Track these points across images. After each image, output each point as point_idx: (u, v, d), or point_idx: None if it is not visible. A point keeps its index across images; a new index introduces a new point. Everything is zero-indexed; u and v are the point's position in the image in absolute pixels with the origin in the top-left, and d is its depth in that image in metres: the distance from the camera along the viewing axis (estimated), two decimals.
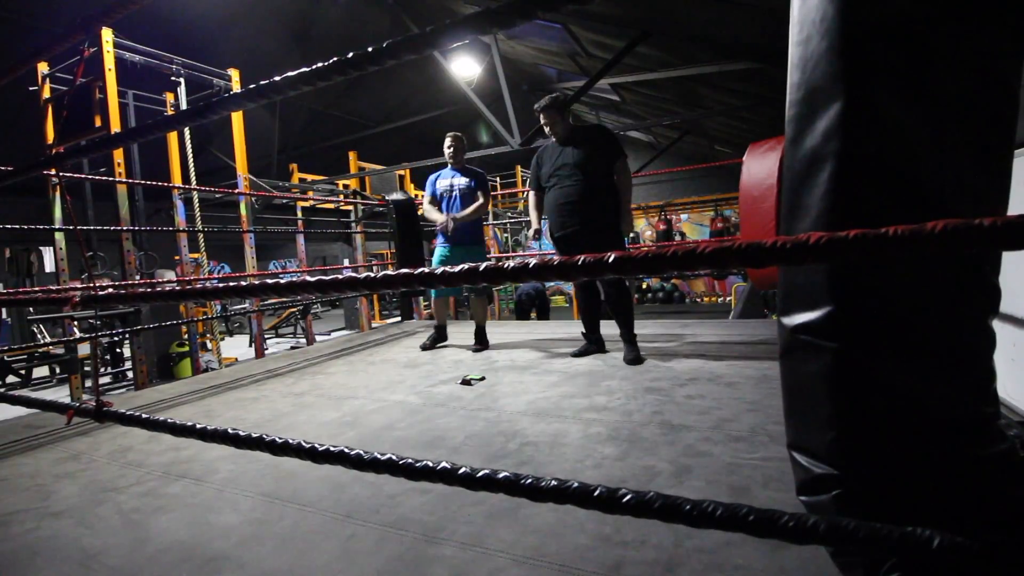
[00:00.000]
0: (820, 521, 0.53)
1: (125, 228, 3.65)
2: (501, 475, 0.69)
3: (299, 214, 6.59)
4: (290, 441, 0.85)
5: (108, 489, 1.71)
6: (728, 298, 11.77)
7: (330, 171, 9.12)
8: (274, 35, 7.77)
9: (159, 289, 1.06)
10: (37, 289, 4.73)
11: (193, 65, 4.74)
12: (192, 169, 5.27)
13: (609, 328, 3.26)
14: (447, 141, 3.75)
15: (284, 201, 6.83)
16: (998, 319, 0.86)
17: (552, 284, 12.64)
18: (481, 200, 3.71)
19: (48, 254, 8.57)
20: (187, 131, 5.12)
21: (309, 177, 7.84)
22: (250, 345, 5.92)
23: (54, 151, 3.69)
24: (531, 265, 0.58)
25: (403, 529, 1.35)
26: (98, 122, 3.64)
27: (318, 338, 5.58)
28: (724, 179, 12.57)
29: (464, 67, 7.98)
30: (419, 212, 3.94)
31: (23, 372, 6.38)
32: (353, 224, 6.56)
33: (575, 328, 4.30)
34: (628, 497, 0.61)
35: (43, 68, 4.10)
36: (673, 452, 1.71)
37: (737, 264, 0.49)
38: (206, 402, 2.78)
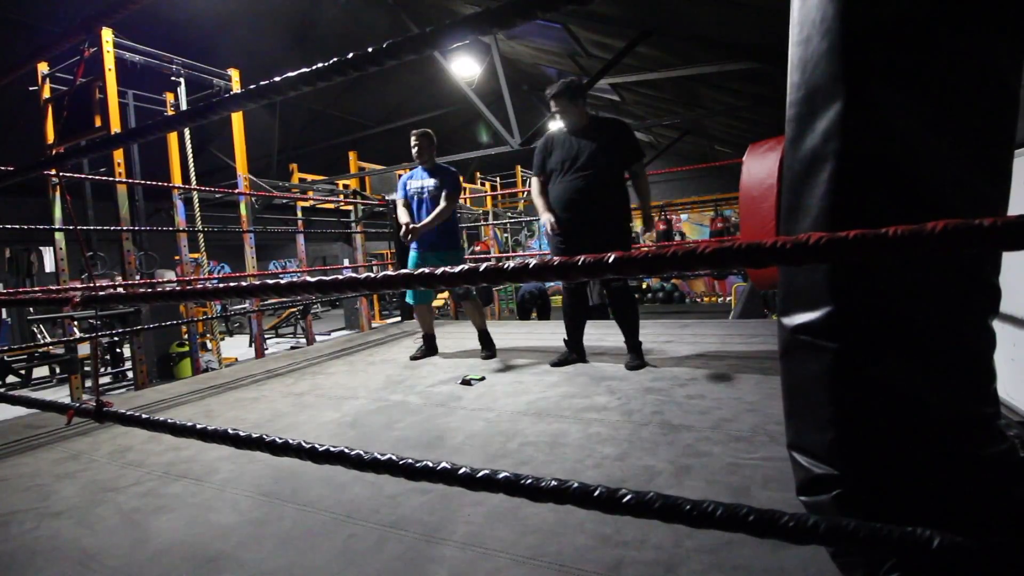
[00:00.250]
0: (820, 521, 0.53)
1: (125, 228, 3.65)
2: (501, 475, 0.69)
3: (299, 214, 6.59)
4: (290, 441, 0.85)
5: (108, 489, 1.71)
6: (728, 298, 11.76)
7: (330, 171, 9.13)
8: (274, 35, 7.77)
9: (159, 289, 1.06)
10: (37, 289, 4.73)
11: (193, 65, 4.73)
12: (192, 169, 5.27)
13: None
14: (412, 140, 3.44)
15: (284, 201, 6.83)
16: (998, 319, 0.86)
17: (552, 284, 12.64)
18: (443, 205, 3.34)
19: (48, 254, 8.57)
20: (187, 131, 5.12)
21: (309, 177, 7.84)
22: (250, 345, 5.91)
23: (54, 151, 3.69)
24: (531, 265, 0.58)
25: (403, 529, 1.35)
26: (98, 122, 3.63)
27: (318, 338, 5.58)
28: (724, 179, 12.57)
29: (464, 67, 7.97)
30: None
31: (23, 372, 6.38)
32: (353, 224, 6.56)
33: None
34: (628, 497, 0.61)
35: (43, 68, 4.09)
36: (673, 452, 1.71)
37: (737, 264, 0.49)
38: (206, 402, 2.78)
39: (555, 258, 0.57)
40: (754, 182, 2.13)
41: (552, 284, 12.39)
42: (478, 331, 3.51)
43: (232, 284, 0.94)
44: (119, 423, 1.13)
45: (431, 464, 0.73)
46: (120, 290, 1.10)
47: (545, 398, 2.41)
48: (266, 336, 7.57)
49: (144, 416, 1.06)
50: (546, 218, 2.93)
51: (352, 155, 7.68)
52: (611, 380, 2.64)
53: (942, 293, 0.82)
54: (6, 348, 6.62)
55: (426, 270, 0.66)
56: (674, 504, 0.59)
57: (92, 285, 1.47)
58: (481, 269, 0.62)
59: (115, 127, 3.66)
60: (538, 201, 3.04)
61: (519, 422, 2.11)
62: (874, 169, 0.82)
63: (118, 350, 6.45)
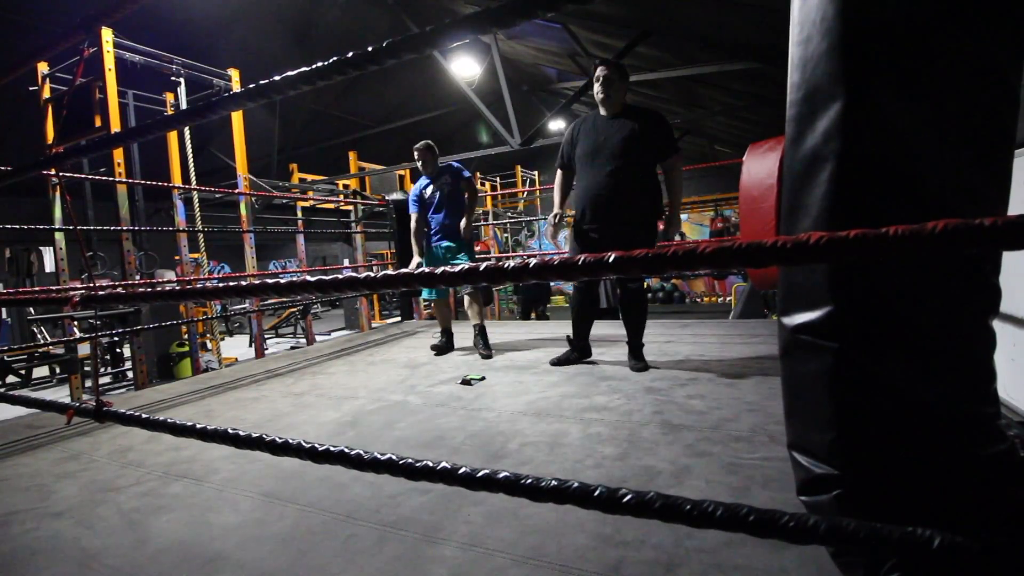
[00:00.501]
0: (820, 521, 0.53)
1: (125, 228, 3.65)
2: (501, 475, 0.69)
3: (299, 214, 6.59)
4: (290, 441, 0.85)
5: (108, 489, 1.71)
6: (728, 298, 11.77)
7: (330, 171, 9.12)
8: (274, 35, 7.77)
9: (159, 289, 1.06)
10: (37, 289, 4.73)
11: (193, 65, 4.74)
12: (192, 169, 5.27)
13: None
14: (415, 154, 3.61)
15: (284, 201, 6.83)
16: (998, 319, 0.86)
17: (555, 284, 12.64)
18: (469, 201, 3.57)
19: (48, 254, 8.57)
20: (187, 131, 5.12)
21: (309, 177, 7.84)
22: (250, 345, 5.92)
23: (54, 151, 3.69)
24: (531, 265, 0.58)
25: (403, 529, 1.35)
26: (98, 122, 3.64)
27: (318, 338, 5.58)
28: (724, 179, 12.58)
29: (464, 67, 7.97)
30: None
31: (23, 372, 6.38)
32: (353, 224, 6.56)
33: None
34: (628, 497, 0.61)
35: (43, 68, 4.10)
36: (673, 452, 1.71)
37: (737, 264, 0.49)
38: (206, 402, 2.78)
39: (555, 258, 0.58)
40: (754, 182, 2.13)
41: (555, 284, 12.37)
42: (478, 328, 3.54)
43: (232, 284, 0.94)
44: (119, 423, 1.13)
45: (431, 464, 0.73)
46: (120, 290, 1.10)
47: (545, 398, 2.41)
48: (266, 336, 7.58)
49: (144, 416, 1.06)
50: (552, 217, 2.87)
51: (352, 155, 7.67)
52: (611, 380, 2.64)
53: (942, 293, 0.82)
54: (6, 348, 6.62)
55: (426, 270, 0.66)
56: (674, 504, 0.59)
57: (92, 285, 1.47)
58: (481, 269, 0.62)
59: (115, 127, 3.66)
60: (555, 194, 2.94)
61: (519, 422, 2.11)
62: (874, 169, 0.82)
63: (118, 350, 6.45)
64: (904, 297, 0.82)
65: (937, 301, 0.82)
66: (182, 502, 1.59)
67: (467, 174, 3.65)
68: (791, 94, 0.91)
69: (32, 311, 5.83)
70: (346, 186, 7.86)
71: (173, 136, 5.29)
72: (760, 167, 2.13)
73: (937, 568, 0.77)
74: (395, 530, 1.35)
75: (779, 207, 1.00)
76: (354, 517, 1.43)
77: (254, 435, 0.89)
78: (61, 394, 5.68)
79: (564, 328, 4.46)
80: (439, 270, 0.65)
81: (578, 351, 3.02)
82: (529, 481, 0.67)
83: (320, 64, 0.79)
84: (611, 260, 0.54)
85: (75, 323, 4.54)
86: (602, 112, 2.75)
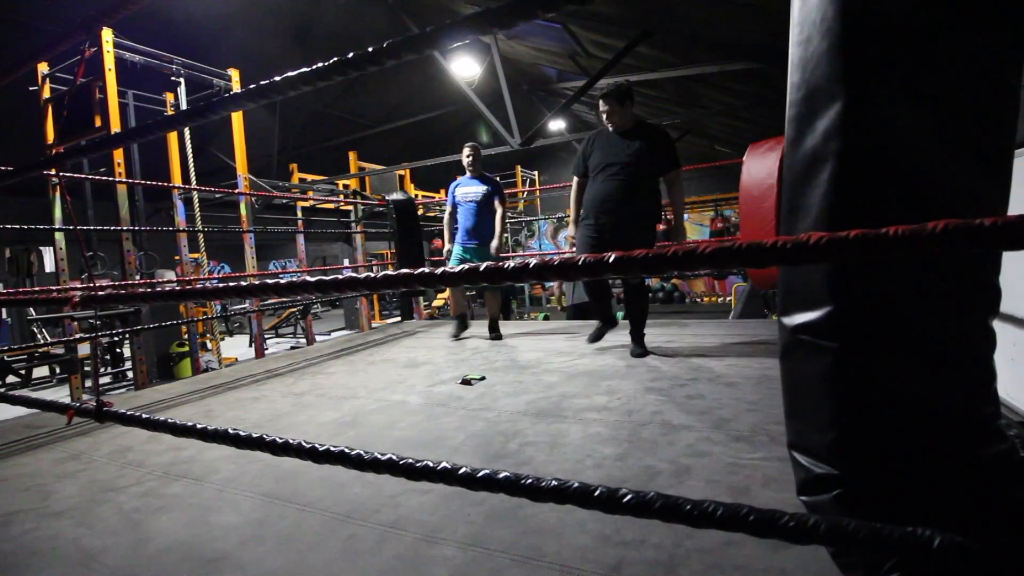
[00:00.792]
0: (820, 521, 0.53)
1: (125, 228, 3.65)
2: (501, 475, 0.69)
3: (299, 214, 6.59)
4: (290, 441, 0.85)
5: (108, 489, 1.71)
6: (728, 298, 11.77)
7: (330, 171, 9.13)
8: (274, 35, 7.77)
9: (159, 289, 1.06)
10: (37, 289, 4.73)
11: (193, 65, 4.74)
12: (192, 169, 5.27)
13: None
14: (466, 151, 4.04)
15: (284, 201, 6.83)
16: (998, 319, 0.86)
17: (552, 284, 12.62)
18: (500, 215, 3.95)
19: (48, 254, 8.56)
20: (187, 131, 5.12)
21: (309, 177, 7.84)
22: (250, 345, 5.91)
23: (54, 151, 3.69)
24: (531, 265, 0.58)
25: (403, 529, 1.35)
26: (98, 122, 3.64)
27: (318, 338, 5.58)
28: (724, 179, 12.57)
29: (464, 67, 7.98)
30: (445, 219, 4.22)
31: (23, 372, 6.38)
32: (353, 224, 6.56)
33: (575, 327, 4.30)
34: (628, 497, 0.61)
35: (43, 68, 4.10)
36: (673, 452, 1.71)
37: (737, 264, 0.49)
38: (206, 402, 2.78)
39: (555, 258, 0.58)
40: (754, 182, 2.13)
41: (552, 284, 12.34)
42: (491, 318, 4.11)
43: (232, 284, 0.94)
44: (119, 423, 1.13)
45: (431, 464, 0.73)
46: (120, 290, 1.10)
47: (545, 398, 2.41)
48: (266, 336, 7.57)
49: (144, 416, 1.06)
50: (568, 232, 3.25)
51: (352, 155, 7.68)
52: (611, 380, 2.64)
53: (942, 293, 0.82)
54: (6, 348, 6.62)
55: (426, 270, 0.66)
56: (674, 504, 0.59)
57: (92, 285, 1.47)
58: (481, 269, 0.62)
59: (115, 127, 3.67)
60: (571, 203, 3.26)
61: (519, 422, 2.11)
62: (874, 169, 0.82)
63: (118, 350, 6.45)
64: (904, 297, 0.82)
65: (937, 301, 0.82)
66: (182, 502, 1.59)
67: (502, 189, 4.07)
68: (791, 94, 0.91)
69: (32, 311, 5.83)
70: (346, 186, 7.87)
71: (173, 136, 5.29)
72: (760, 167, 2.13)
73: (937, 568, 0.77)
74: (395, 530, 1.35)
75: (779, 207, 1.00)
76: (354, 517, 1.43)
77: (254, 435, 0.89)
78: (61, 394, 5.68)
79: (565, 327, 4.47)
80: (439, 270, 0.65)
81: (607, 322, 3.34)
82: (529, 481, 0.67)
83: (320, 64, 0.79)
84: (611, 260, 0.54)
85: (75, 323, 4.53)
86: (610, 129, 3.05)
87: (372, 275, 0.72)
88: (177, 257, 5.38)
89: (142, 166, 5.71)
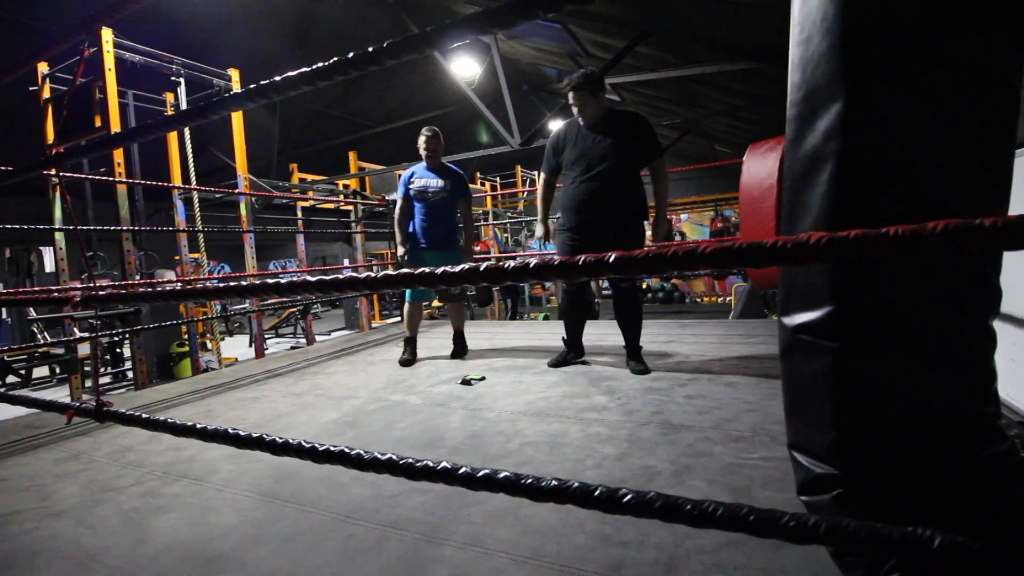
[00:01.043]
0: (820, 521, 0.53)
1: (125, 228, 3.65)
2: (501, 475, 0.69)
3: (299, 214, 6.59)
4: (290, 441, 0.85)
5: (108, 489, 1.71)
6: (728, 298, 11.77)
7: (330, 171, 9.13)
8: (274, 35, 7.77)
9: (159, 289, 1.06)
10: (37, 289, 4.73)
11: (193, 65, 4.73)
12: (192, 169, 5.27)
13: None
14: (426, 137, 3.30)
15: (284, 201, 6.83)
16: (998, 319, 0.86)
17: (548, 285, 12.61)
18: (467, 219, 3.45)
19: (48, 254, 8.56)
20: (187, 131, 5.12)
21: (309, 177, 7.84)
22: (250, 345, 5.91)
23: (54, 151, 3.69)
24: (531, 265, 0.58)
25: (403, 529, 1.35)
26: (98, 122, 3.64)
27: (318, 338, 5.58)
28: (724, 179, 12.58)
29: (464, 67, 7.98)
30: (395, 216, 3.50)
31: (23, 372, 6.38)
32: (353, 224, 6.56)
33: None
34: (628, 497, 0.61)
35: (43, 68, 4.10)
36: (673, 452, 1.71)
37: (737, 264, 0.49)
38: (206, 402, 2.78)
39: (555, 258, 0.57)
40: (754, 182, 2.13)
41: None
42: (455, 331, 3.51)
43: (232, 284, 0.94)
44: (119, 423, 1.13)
45: (431, 464, 0.73)
46: (120, 290, 1.10)
47: (545, 398, 2.41)
48: (266, 336, 7.57)
49: (144, 416, 1.06)
50: (538, 233, 2.94)
51: (352, 155, 7.68)
52: (611, 380, 2.64)
53: (942, 293, 0.82)
54: (6, 348, 6.62)
55: (426, 269, 0.66)
56: (674, 504, 0.59)
57: (92, 285, 1.47)
58: (481, 269, 0.62)
59: (115, 127, 3.67)
60: (540, 205, 2.98)
61: (519, 422, 2.11)
62: (874, 169, 0.82)
63: (118, 350, 6.45)
64: (904, 297, 0.82)
65: (937, 301, 0.82)
66: (182, 502, 1.59)
67: (468, 185, 3.48)
68: (791, 94, 0.91)
69: (32, 311, 5.83)
70: (346, 186, 7.86)
71: (173, 136, 5.29)
72: (760, 167, 2.13)
73: (937, 568, 0.77)
74: (395, 530, 1.35)
75: (779, 207, 1.00)
76: (354, 517, 1.43)
77: (254, 435, 0.89)
78: (61, 394, 5.67)
79: (562, 329, 4.47)
80: (439, 270, 0.65)
81: (573, 351, 3.02)
82: (529, 481, 0.67)
83: (320, 64, 0.79)
84: (611, 260, 0.54)
85: (75, 323, 4.53)
86: (581, 122, 2.78)
87: (372, 275, 0.72)
88: (177, 257, 5.38)
89: (142, 166, 5.71)
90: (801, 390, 0.92)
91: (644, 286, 13.87)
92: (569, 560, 1.18)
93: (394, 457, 0.76)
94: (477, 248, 9.20)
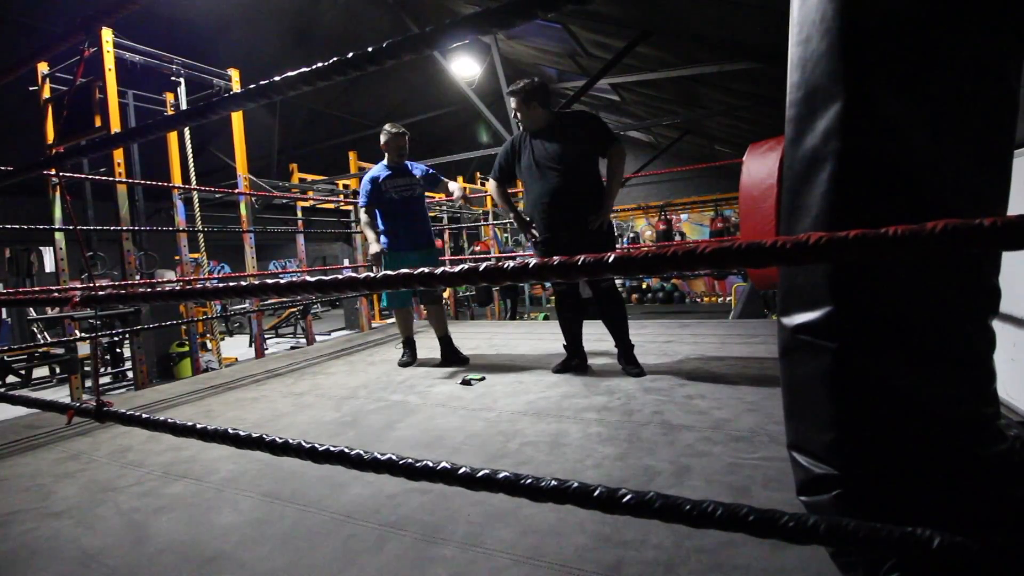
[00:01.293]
0: (820, 521, 0.53)
1: (125, 228, 3.65)
2: (501, 475, 0.69)
3: (299, 214, 6.59)
4: (290, 441, 0.85)
5: (108, 489, 1.71)
6: (728, 298, 11.76)
7: (330, 171, 9.12)
8: (274, 35, 7.77)
9: (159, 289, 1.06)
10: (37, 289, 4.73)
11: (193, 65, 4.73)
12: (192, 169, 5.27)
13: (599, 329, 3.24)
14: (396, 137, 3.25)
15: (284, 201, 6.83)
16: (998, 319, 0.86)
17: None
18: (446, 194, 3.40)
19: (48, 254, 8.56)
20: (187, 131, 5.12)
21: (309, 177, 7.84)
22: (250, 345, 5.91)
23: (54, 151, 3.69)
24: (531, 265, 0.58)
25: (403, 529, 1.35)
26: (98, 122, 3.63)
27: (318, 338, 5.58)
28: (724, 179, 12.56)
29: (464, 67, 7.98)
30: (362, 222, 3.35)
31: (23, 372, 6.38)
32: (353, 224, 6.55)
33: None
34: (628, 497, 0.61)
35: (43, 68, 4.09)
36: (673, 452, 1.71)
37: (737, 264, 0.49)
38: (206, 402, 2.78)
39: (555, 258, 0.57)
40: (754, 182, 2.13)
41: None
42: (440, 337, 3.39)
43: (232, 284, 0.94)
44: (119, 423, 1.13)
45: (431, 464, 0.73)
46: (120, 290, 1.10)
47: (545, 398, 2.41)
48: (266, 336, 7.57)
49: (144, 416, 1.06)
50: (520, 226, 2.87)
51: (352, 155, 7.67)
52: (611, 380, 2.64)
53: (942, 293, 0.82)
54: (6, 348, 6.62)
55: (425, 270, 0.66)
56: (674, 504, 0.59)
57: (92, 285, 1.47)
58: (481, 269, 0.62)
59: (115, 127, 3.67)
60: (504, 206, 2.96)
61: (519, 422, 2.11)
62: (874, 169, 0.82)
63: (118, 350, 6.45)
64: (904, 297, 0.82)
65: (937, 301, 0.82)
66: (182, 502, 1.59)
67: (436, 173, 3.42)
68: (791, 94, 0.91)
69: (32, 311, 5.83)
70: (346, 186, 7.86)
71: (173, 136, 5.29)
72: (760, 167, 2.13)
73: (937, 568, 0.77)
74: (395, 530, 1.35)
75: (779, 207, 1.00)
76: (354, 517, 1.43)
77: (254, 435, 0.89)
78: (61, 394, 5.68)
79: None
80: (439, 270, 0.65)
81: (576, 357, 2.97)
82: (529, 481, 0.67)
83: (320, 64, 0.79)
84: (611, 260, 0.54)
85: (75, 323, 4.53)
86: (523, 130, 2.81)
87: (372, 275, 0.72)
88: (177, 257, 5.37)
89: (142, 166, 5.70)
90: (801, 390, 0.92)
91: (644, 286, 13.87)
92: (569, 560, 1.18)
93: (394, 457, 0.76)
94: (477, 248, 9.21)
